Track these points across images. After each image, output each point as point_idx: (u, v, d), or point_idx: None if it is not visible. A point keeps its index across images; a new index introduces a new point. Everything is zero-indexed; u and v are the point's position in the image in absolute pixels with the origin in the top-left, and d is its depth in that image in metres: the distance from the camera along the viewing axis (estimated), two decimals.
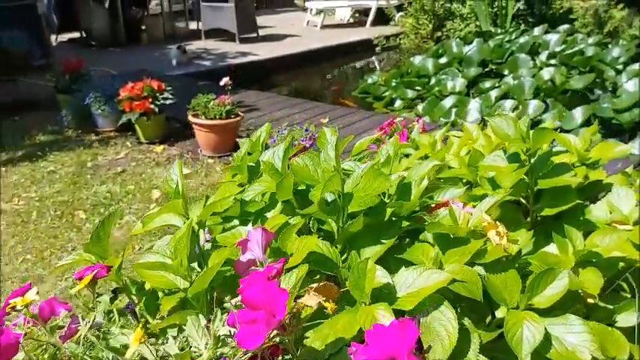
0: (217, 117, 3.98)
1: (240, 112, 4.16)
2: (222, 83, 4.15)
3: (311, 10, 10.90)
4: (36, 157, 4.20)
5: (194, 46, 8.92)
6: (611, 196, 1.63)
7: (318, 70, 8.52)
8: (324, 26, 10.61)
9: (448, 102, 5.48)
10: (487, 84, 5.63)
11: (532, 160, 1.61)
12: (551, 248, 1.48)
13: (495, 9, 8.71)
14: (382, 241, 1.03)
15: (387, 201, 1.31)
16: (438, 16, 9.31)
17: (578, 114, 4.79)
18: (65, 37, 9.74)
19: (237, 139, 3.15)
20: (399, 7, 10.39)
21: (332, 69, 8.77)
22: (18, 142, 4.61)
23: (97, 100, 4.59)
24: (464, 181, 1.79)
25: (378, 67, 8.95)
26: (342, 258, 1.02)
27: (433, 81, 6.21)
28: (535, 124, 4.87)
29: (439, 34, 9.25)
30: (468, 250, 1.00)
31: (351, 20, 11.26)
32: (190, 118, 4.06)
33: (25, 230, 3.10)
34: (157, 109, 4.31)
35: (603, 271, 1.44)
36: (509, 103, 5.00)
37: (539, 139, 1.51)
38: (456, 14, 9.23)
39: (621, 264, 1.47)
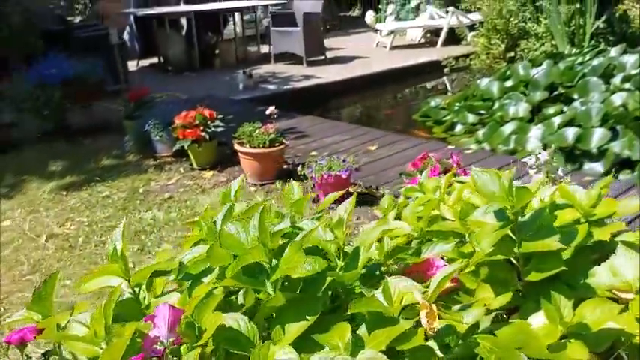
0: (261, 145, 4.03)
1: (284, 141, 4.20)
2: (268, 112, 4.21)
3: (381, 31, 10.87)
4: (96, 181, 4.44)
5: (263, 69, 9.14)
6: (616, 258, 1.49)
7: (383, 93, 8.47)
8: (393, 47, 10.54)
9: (508, 128, 5.26)
10: (551, 110, 5.35)
11: (520, 219, 1.51)
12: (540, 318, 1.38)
13: (573, 27, 8.30)
14: (306, 317, 0.99)
15: (341, 264, 1.26)
16: (512, 36, 9.00)
17: None
18: (147, 62, 10.28)
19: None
20: (472, 27, 10.14)
21: (398, 91, 8.69)
22: (84, 166, 4.90)
23: (155, 127, 4.79)
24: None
25: (449, 88, 8.76)
26: (266, 333, 0.99)
27: (497, 105, 5.98)
28: (600, 153, 4.58)
29: (512, 54, 8.94)
30: (388, 334, 0.93)
31: (423, 40, 11.12)
32: (235, 146, 4.15)
33: (71, 255, 3.27)
34: (207, 137, 4.43)
35: (592, 345, 1.32)
36: (571, 132, 4.71)
37: (523, 197, 1.41)
38: (530, 33, 8.88)
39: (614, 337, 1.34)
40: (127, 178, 4.47)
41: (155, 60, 10.01)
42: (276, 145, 4.11)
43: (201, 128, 4.43)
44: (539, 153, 2.53)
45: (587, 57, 6.52)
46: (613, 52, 6.54)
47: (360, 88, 8.27)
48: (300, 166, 3.65)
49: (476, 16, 9.88)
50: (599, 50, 6.96)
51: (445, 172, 2.93)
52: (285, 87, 7.86)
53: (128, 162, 4.92)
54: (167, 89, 7.88)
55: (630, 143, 4.59)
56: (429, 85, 9.02)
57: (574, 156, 4.66)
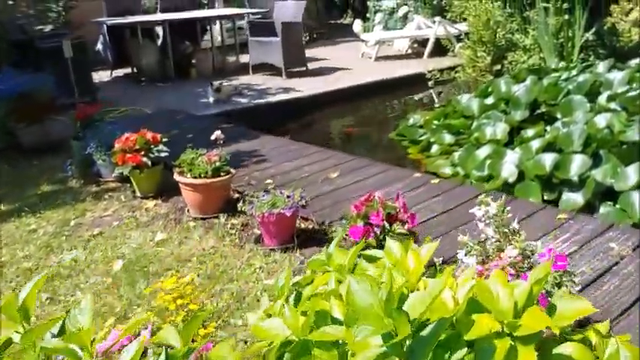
0: (202, 175, 3.65)
1: (231, 170, 3.81)
2: (213, 137, 3.82)
3: (367, 42, 10.51)
4: (28, 211, 4.06)
5: (239, 81, 8.77)
6: None
7: (363, 107, 8.09)
8: (379, 57, 10.18)
9: (483, 152, 4.87)
10: (530, 132, 4.97)
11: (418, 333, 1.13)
12: None
13: (561, 40, 7.93)
14: None
15: None
16: (499, 47, 8.62)
17: (634, 172, 4.05)
18: (122, 72, 9.91)
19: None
20: (459, 38, 9.77)
21: (379, 106, 8.32)
22: (23, 192, 4.52)
23: (97, 149, 4.41)
24: None
25: (436, 101, 8.38)
26: None
27: (475, 125, 5.60)
28: (582, 181, 4.18)
29: (499, 66, 8.56)
30: None
31: (410, 51, 10.76)
32: (175, 176, 3.76)
33: None
34: (149, 163, 4.05)
35: None
36: (549, 158, 4.32)
37: (402, 323, 1.02)
38: (518, 45, 8.51)
39: None
40: (61, 207, 4.09)
41: (129, 70, 9.65)
42: (222, 174, 3.73)
43: (143, 153, 4.04)
44: (489, 204, 2.14)
45: (574, 72, 6.15)
46: (601, 66, 6.17)
47: (340, 101, 7.89)
48: (242, 201, 3.27)
49: (463, 27, 9.50)
50: (586, 65, 6.59)
51: (389, 217, 2.55)
52: (258, 101, 7.49)
53: (69, 188, 4.54)
54: (135, 102, 7.50)
55: (614, 170, 4.20)
56: (414, 98, 8.65)
57: (552, 185, 4.27)
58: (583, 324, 2.32)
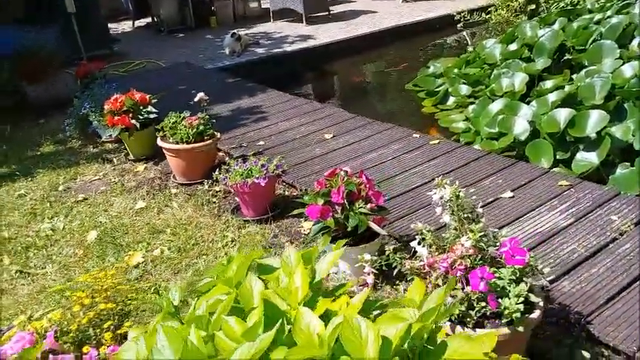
0: (184, 140, 3.51)
1: (216, 133, 3.65)
2: (196, 99, 3.65)
3: None
4: (21, 175, 4.04)
5: (259, 28, 8.49)
6: None
7: (384, 55, 7.70)
8: None
9: (496, 106, 4.53)
10: (549, 83, 4.57)
11: None
12: None
13: None
14: None
15: None
16: None
17: None
18: (144, 21, 9.77)
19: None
20: None
21: (402, 53, 7.90)
22: (22, 153, 4.51)
23: (92, 109, 4.32)
24: None
25: (468, 42, 7.88)
26: None
27: (494, 74, 5.21)
28: (598, 139, 3.83)
29: (533, 6, 7.93)
30: None
31: None
32: (158, 141, 3.64)
33: None
34: (138, 125, 3.93)
35: None
36: (563, 114, 3.96)
37: None
38: None
39: None
40: (55, 171, 4.05)
41: (150, 20, 9.49)
42: (205, 138, 3.58)
43: (131, 115, 3.92)
44: (444, 188, 1.91)
45: (609, 13, 5.59)
46: (638, 6, 5.57)
47: (359, 48, 7.54)
48: (218, 170, 3.12)
49: None
50: (625, 3, 5.98)
51: (350, 195, 2.35)
52: (275, 50, 7.22)
53: (69, 149, 4.50)
54: (153, 53, 7.39)
55: (637, 126, 3.81)
56: (439, 43, 8.17)
57: (566, 143, 3.93)
58: (556, 321, 2.12)
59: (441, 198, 1.91)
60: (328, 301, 1.20)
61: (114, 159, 4.16)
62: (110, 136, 3.98)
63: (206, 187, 3.49)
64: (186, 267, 2.71)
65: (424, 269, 1.86)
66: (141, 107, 3.99)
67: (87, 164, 4.12)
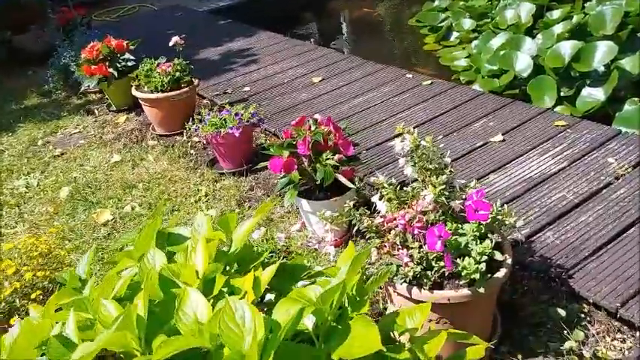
0: (159, 89, 3.34)
1: (194, 80, 3.47)
2: (171, 43, 3.45)
3: None
4: (2, 130, 3.94)
5: None
6: None
7: None
8: None
9: (498, 40, 4.23)
10: (556, 13, 4.23)
11: None
12: None
13: None
14: None
15: None
16: None
17: None
18: None
19: None
20: None
21: None
22: (6, 106, 4.40)
23: (71, 59, 4.15)
24: None
25: None
26: None
27: (500, 4, 4.85)
28: (605, 74, 3.54)
29: None
30: None
31: None
32: (133, 91, 3.47)
33: None
34: (116, 74, 3.76)
35: None
36: (568, 47, 3.66)
37: None
38: None
39: None
40: (36, 124, 3.94)
41: None
42: (183, 86, 3.40)
43: (108, 63, 3.75)
44: (404, 138, 1.72)
45: None
46: None
47: None
48: (191, 120, 2.96)
49: None
50: None
51: (316, 145, 2.18)
52: None
53: (53, 100, 4.37)
54: None
55: None
56: None
57: (570, 79, 3.66)
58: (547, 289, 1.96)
59: (403, 148, 1.73)
60: (239, 278, 1.06)
61: (96, 110, 4.02)
62: (88, 86, 3.81)
63: (185, 138, 3.34)
64: None
65: (383, 226, 1.71)
66: (118, 55, 3.80)
67: (69, 117, 4.00)
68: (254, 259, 1.18)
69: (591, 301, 1.85)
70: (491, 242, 1.60)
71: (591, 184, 2.39)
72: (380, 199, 1.77)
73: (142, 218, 2.66)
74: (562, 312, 1.80)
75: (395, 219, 1.66)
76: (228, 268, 1.18)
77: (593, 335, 1.77)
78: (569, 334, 1.75)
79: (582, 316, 1.82)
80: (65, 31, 4.68)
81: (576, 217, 2.21)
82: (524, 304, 1.90)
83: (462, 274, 1.53)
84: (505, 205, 1.73)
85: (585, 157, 2.58)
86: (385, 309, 1.94)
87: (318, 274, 1.20)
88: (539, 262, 2.02)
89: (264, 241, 1.96)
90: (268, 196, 2.72)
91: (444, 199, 1.63)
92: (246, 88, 3.86)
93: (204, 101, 3.83)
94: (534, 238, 2.13)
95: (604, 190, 2.35)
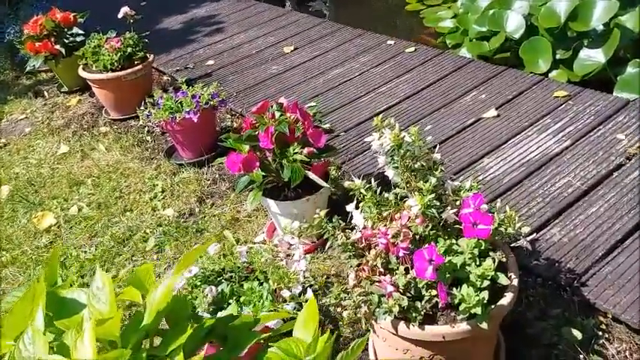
0: (108, 68, 2.96)
1: (148, 55, 3.08)
2: (120, 15, 3.05)
3: None
4: None
5: None
6: None
7: None
8: None
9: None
10: None
11: None
12: None
13: None
14: None
15: None
16: None
17: None
18: None
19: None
20: None
21: None
22: None
23: (16, 36, 3.73)
24: None
25: None
26: None
27: None
28: (605, 32, 3.21)
29: None
30: None
31: None
32: (80, 71, 3.08)
33: None
34: (64, 51, 3.36)
35: None
36: (563, 4, 3.31)
37: None
38: None
39: None
40: None
41: None
42: (136, 63, 3.02)
43: (54, 39, 3.34)
44: (382, 134, 1.40)
45: None
46: None
47: None
48: (142, 104, 2.59)
49: None
50: None
51: (281, 137, 1.84)
52: None
53: (0, 82, 3.96)
54: None
55: None
56: None
57: (567, 39, 3.32)
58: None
59: (382, 146, 1.40)
60: None
61: (46, 92, 3.62)
62: (34, 66, 3.41)
63: (140, 122, 2.98)
64: (105, 228, 2.27)
65: (361, 242, 1.40)
66: (65, 29, 3.39)
67: (15, 100, 3.60)
68: (187, 318, 0.87)
69: (610, 314, 1.57)
70: (494, 262, 1.29)
71: (600, 167, 2.09)
72: (357, 208, 1.45)
73: (90, 221, 2.32)
74: (577, 333, 1.52)
75: (375, 235, 1.35)
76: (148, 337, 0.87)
77: (613, 356, 1.50)
78: (585, 359, 1.48)
79: (600, 333, 1.54)
80: (11, 4, 4.22)
81: (585, 208, 1.91)
82: (531, 319, 1.61)
83: (460, 308, 1.23)
84: (507, 208, 1.42)
85: (591, 134, 2.27)
86: (368, 330, 1.65)
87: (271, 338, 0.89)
88: (546, 266, 1.73)
89: (222, 257, 1.65)
90: (234, 190, 2.39)
91: (434, 210, 1.31)
92: (210, 62, 3.49)
93: (165, 78, 3.45)
94: (538, 235, 1.84)
95: (615, 174, 2.05)
